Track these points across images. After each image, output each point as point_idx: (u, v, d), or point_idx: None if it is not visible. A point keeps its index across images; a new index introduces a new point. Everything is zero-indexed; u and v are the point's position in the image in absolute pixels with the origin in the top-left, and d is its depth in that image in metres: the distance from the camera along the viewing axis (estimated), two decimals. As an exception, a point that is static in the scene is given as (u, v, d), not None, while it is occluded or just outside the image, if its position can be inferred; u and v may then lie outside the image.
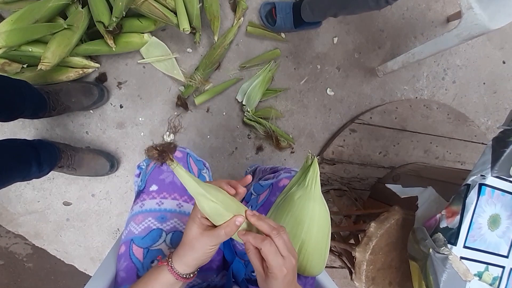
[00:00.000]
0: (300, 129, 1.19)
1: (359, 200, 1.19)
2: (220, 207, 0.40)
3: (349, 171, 1.22)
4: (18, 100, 0.79)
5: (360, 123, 1.19)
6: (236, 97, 1.11)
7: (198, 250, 0.42)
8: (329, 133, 1.22)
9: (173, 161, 0.38)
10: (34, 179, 0.89)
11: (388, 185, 0.83)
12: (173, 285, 0.44)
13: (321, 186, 1.29)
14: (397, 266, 0.81)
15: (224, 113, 1.12)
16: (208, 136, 1.13)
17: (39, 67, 0.87)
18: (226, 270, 0.61)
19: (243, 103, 1.10)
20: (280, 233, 0.40)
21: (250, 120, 1.11)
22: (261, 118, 1.11)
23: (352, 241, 1.05)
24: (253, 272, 0.60)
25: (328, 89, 1.19)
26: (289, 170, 0.66)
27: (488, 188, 0.55)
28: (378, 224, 0.77)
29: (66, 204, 1.10)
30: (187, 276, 0.44)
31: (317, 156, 1.22)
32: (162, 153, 0.35)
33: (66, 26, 0.89)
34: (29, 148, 0.85)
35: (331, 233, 1.07)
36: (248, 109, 1.10)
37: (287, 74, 1.15)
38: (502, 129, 0.58)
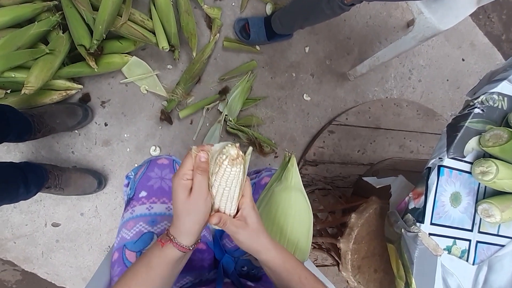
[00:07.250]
0: (282, 134, 1.25)
1: (343, 197, 1.24)
2: None
3: (331, 171, 1.27)
4: (3, 124, 0.81)
5: (337, 125, 1.26)
6: (218, 108, 1.16)
7: (194, 212, 0.42)
8: (309, 136, 1.28)
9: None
10: (21, 201, 0.89)
11: (365, 178, 0.89)
12: (178, 261, 0.43)
13: (306, 186, 1.32)
14: (380, 253, 0.86)
15: (207, 124, 1.17)
16: (194, 147, 1.16)
17: (22, 91, 0.89)
18: (217, 269, 0.63)
19: (225, 113, 1.15)
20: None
21: (233, 129, 1.15)
22: (243, 126, 1.16)
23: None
24: (243, 267, 0.64)
25: (305, 94, 1.26)
26: (269, 169, 0.71)
27: (446, 169, 0.61)
28: (358, 214, 0.82)
29: (55, 225, 1.10)
30: (192, 247, 0.44)
31: (300, 159, 1.27)
32: None
33: (48, 51, 0.92)
34: (16, 170, 0.86)
35: (319, 229, 1.11)
36: (230, 119, 1.15)
37: (265, 83, 1.21)
38: (454, 116, 0.65)
